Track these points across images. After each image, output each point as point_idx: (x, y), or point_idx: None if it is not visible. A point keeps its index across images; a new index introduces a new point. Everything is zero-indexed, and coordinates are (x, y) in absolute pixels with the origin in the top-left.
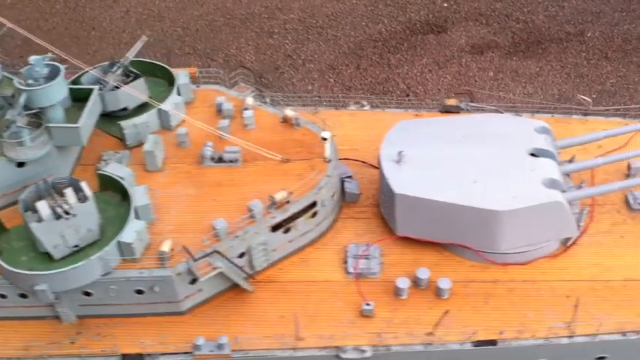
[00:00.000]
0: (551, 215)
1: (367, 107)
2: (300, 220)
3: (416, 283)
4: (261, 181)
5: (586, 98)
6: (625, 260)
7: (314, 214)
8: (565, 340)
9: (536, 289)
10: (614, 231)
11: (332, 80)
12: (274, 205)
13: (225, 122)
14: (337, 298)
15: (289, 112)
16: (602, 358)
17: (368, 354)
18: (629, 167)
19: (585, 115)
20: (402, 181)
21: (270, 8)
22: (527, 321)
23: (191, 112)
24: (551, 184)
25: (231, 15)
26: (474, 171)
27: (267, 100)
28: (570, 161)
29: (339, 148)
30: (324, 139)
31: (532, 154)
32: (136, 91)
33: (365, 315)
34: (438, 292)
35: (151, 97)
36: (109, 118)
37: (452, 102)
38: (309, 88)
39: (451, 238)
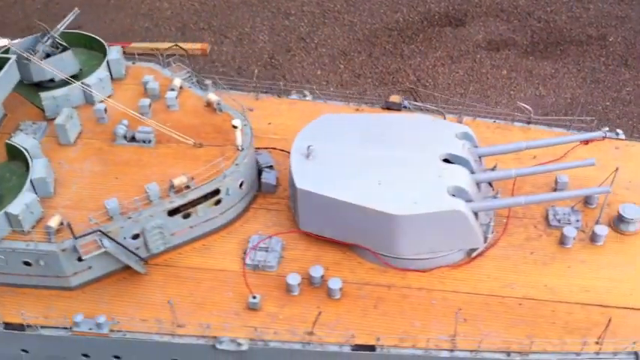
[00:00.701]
0: (453, 224)
1: (309, 97)
2: (201, 207)
3: (310, 280)
4: (169, 164)
5: (526, 106)
6: (528, 278)
7: (217, 202)
8: (445, 354)
9: (429, 298)
10: (525, 246)
11: (342, 66)
12: (173, 189)
13: (145, 101)
14: (228, 288)
15: (212, 96)
16: None
17: (244, 347)
18: (556, 181)
19: (528, 123)
20: (306, 176)
21: None
22: (413, 330)
23: (119, 89)
24: (457, 192)
25: None
26: (381, 172)
27: (209, 82)
28: (492, 170)
29: (270, 137)
30: (235, 126)
31: (445, 160)
32: (47, 66)
33: (251, 308)
34: (328, 292)
35: (81, 70)
36: (38, 88)
37: (395, 99)
38: (318, 72)
39: (352, 238)
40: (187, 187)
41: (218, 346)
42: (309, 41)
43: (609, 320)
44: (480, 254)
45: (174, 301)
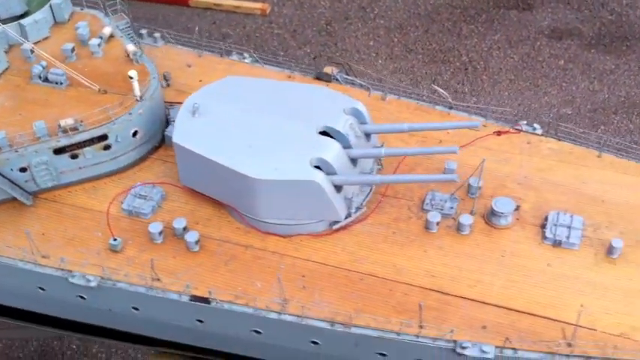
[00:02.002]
0: (310, 194)
1: (248, 60)
2: (88, 149)
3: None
4: (71, 106)
5: (442, 91)
6: (380, 256)
7: (107, 147)
8: (273, 315)
9: (279, 263)
10: (391, 225)
11: (395, 40)
12: (60, 129)
13: (68, 45)
14: (100, 229)
15: (130, 47)
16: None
17: (93, 284)
18: (444, 167)
19: (450, 108)
20: (184, 132)
21: None
22: (252, 289)
23: (58, 32)
24: (321, 163)
25: None
26: (256, 137)
27: (158, 35)
28: (376, 147)
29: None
30: (130, 77)
31: (324, 132)
32: None
33: (111, 249)
34: (187, 245)
35: (28, 10)
36: None
37: (327, 70)
38: (371, 43)
39: (222, 197)
40: (75, 128)
41: (70, 279)
42: (369, 11)
43: (420, 306)
44: (343, 228)
45: (50, 234)
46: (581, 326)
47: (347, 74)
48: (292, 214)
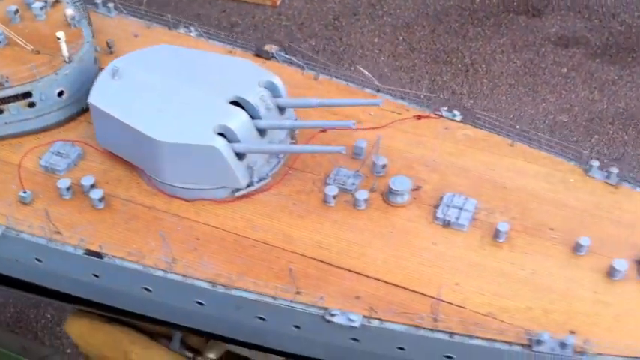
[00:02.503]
0: (210, 160)
1: (193, 34)
2: (13, 105)
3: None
4: (3, 64)
5: (368, 73)
6: (275, 225)
7: (31, 105)
8: (160, 273)
9: (177, 225)
10: (292, 197)
11: (400, 38)
12: None
13: (12, 7)
14: (15, 183)
15: (69, 11)
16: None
17: None
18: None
19: (378, 91)
20: (101, 93)
21: None
22: (145, 247)
23: None
24: (225, 131)
25: None
26: (167, 103)
27: (111, 5)
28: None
29: None
30: (58, 38)
31: (235, 102)
32: None
33: (20, 201)
34: (91, 202)
35: None
36: None
37: (268, 48)
38: (376, 40)
39: (133, 159)
40: (1, 84)
41: None
42: (378, 8)
43: (290, 270)
44: (245, 196)
45: None
46: (450, 302)
47: (286, 53)
48: (195, 179)
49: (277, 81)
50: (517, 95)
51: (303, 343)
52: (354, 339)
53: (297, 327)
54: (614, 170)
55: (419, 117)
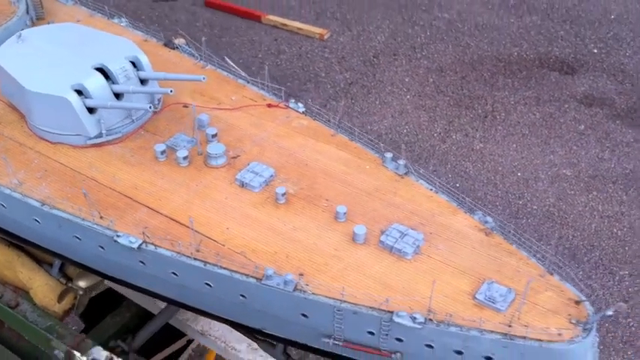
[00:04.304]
0: (64, 110)
1: (124, 24)
2: None
3: None
4: None
5: (234, 65)
6: (106, 168)
7: None
8: (7, 191)
9: (34, 159)
10: (133, 151)
11: (430, 80)
12: None
13: None
14: None
15: None
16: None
17: None
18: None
19: (248, 82)
20: (4, 52)
21: (432, 2)
22: (5, 173)
23: None
24: (81, 88)
25: None
26: (47, 64)
27: None
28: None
29: None
30: None
31: (97, 69)
32: None
33: None
34: None
35: None
36: None
37: (177, 42)
38: (406, 80)
39: (19, 106)
40: None
41: None
42: (417, 51)
43: (84, 194)
44: (96, 145)
45: None
46: (215, 240)
47: (188, 46)
48: (55, 125)
49: (142, 57)
50: (527, 145)
51: (106, 263)
52: (142, 262)
53: (101, 247)
54: (402, 162)
55: (269, 105)
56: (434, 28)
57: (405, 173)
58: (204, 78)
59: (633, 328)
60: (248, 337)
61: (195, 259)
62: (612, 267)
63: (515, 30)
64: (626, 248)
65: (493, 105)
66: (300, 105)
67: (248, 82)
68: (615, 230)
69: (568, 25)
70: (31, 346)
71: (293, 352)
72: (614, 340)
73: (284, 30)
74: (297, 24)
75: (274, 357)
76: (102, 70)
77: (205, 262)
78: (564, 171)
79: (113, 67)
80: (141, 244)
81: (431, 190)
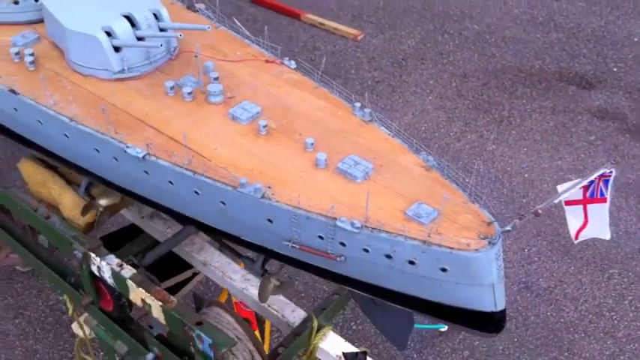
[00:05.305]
0: (94, 47)
1: None
2: (3, 2)
3: None
4: None
5: (240, 25)
6: (125, 99)
7: (15, 2)
8: (44, 108)
9: (67, 86)
10: (149, 86)
11: (453, 84)
12: None
13: None
14: None
15: None
16: None
17: None
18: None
19: (255, 42)
20: None
21: (464, 14)
22: (46, 96)
23: None
24: (109, 30)
25: (430, 6)
26: (84, 8)
27: None
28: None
29: None
30: None
31: (125, 16)
32: None
33: None
34: (25, 64)
35: None
36: None
37: (198, 5)
38: (430, 82)
39: (58, 42)
40: None
41: None
42: (444, 57)
43: (102, 109)
44: (120, 79)
45: None
46: (204, 156)
47: (207, 9)
48: (86, 60)
49: (163, 10)
50: (538, 150)
51: (118, 174)
52: (146, 172)
53: (115, 159)
54: (367, 110)
55: (267, 61)
56: (462, 38)
57: (370, 120)
58: (208, 27)
59: (615, 321)
60: (232, 252)
61: (186, 168)
62: (603, 265)
63: (540, 45)
64: (619, 250)
65: (510, 111)
66: (293, 62)
67: (252, 42)
68: (611, 233)
69: (592, 43)
70: (61, 264)
71: (270, 269)
72: (596, 330)
73: (321, 29)
74: (333, 24)
75: (254, 272)
76: (128, 18)
77: (194, 172)
78: (570, 176)
79: (138, 16)
80: (145, 155)
81: (389, 134)
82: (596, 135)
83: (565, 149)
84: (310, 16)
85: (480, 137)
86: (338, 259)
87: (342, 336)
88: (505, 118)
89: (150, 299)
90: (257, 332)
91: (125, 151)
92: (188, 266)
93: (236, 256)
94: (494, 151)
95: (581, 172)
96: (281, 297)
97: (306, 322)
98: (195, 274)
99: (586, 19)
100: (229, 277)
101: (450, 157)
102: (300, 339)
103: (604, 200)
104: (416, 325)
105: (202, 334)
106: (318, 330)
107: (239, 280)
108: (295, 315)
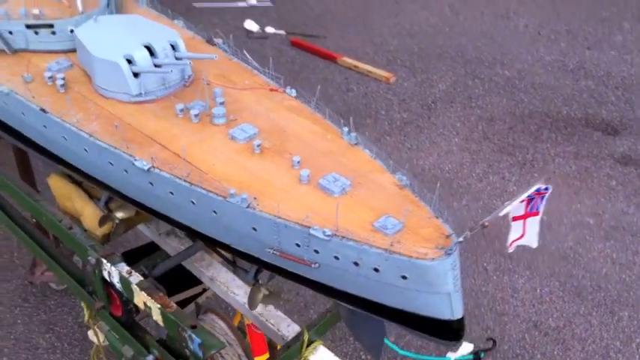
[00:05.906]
0: (116, 73)
1: (181, 24)
2: (43, 30)
3: None
4: (38, 3)
5: (247, 54)
6: (136, 116)
7: (53, 33)
8: (68, 125)
9: (91, 107)
10: (162, 109)
11: (480, 127)
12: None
13: None
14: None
15: None
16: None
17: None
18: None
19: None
20: (82, 29)
21: (496, 60)
22: (70, 115)
23: None
24: (130, 57)
25: (463, 52)
26: (109, 40)
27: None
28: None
29: None
30: None
31: (145, 46)
32: None
33: (24, 81)
34: (56, 87)
35: None
36: None
37: (217, 40)
38: (457, 124)
39: (86, 68)
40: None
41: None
42: (473, 100)
43: (115, 125)
44: (138, 102)
45: None
46: (200, 169)
47: (224, 44)
48: (109, 84)
49: (180, 42)
50: (558, 193)
51: (128, 185)
52: (150, 183)
53: (126, 171)
54: (353, 134)
55: (271, 89)
56: (492, 83)
57: (356, 143)
58: (215, 57)
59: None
60: (225, 261)
61: (184, 180)
62: (614, 307)
63: (569, 91)
64: (631, 293)
65: (534, 155)
66: (293, 91)
67: (260, 73)
68: (624, 276)
69: (620, 91)
70: (79, 270)
71: (261, 280)
72: (573, 338)
73: (355, 71)
74: (367, 67)
75: (247, 282)
76: (149, 48)
77: (191, 183)
78: (588, 219)
79: (157, 46)
80: (149, 167)
81: (372, 156)
82: (618, 180)
83: (585, 193)
84: (346, 59)
85: (501, 179)
86: (313, 265)
87: (339, 353)
88: (528, 162)
89: (151, 302)
90: (267, 356)
91: (133, 164)
92: (198, 282)
93: (229, 264)
94: (515, 193)
95: (600, 217)
96: (279, 312)
97: (299, 336)
98: (205, 290)
99: (617, 67)
100: (233, 291)
101: (471, 197)
102: (291, 351)
103: (537, 214)
104: (422, 357)
105: (193, 335)
106: (309, 344)
107: (242, 295)
108: (290, 329)
